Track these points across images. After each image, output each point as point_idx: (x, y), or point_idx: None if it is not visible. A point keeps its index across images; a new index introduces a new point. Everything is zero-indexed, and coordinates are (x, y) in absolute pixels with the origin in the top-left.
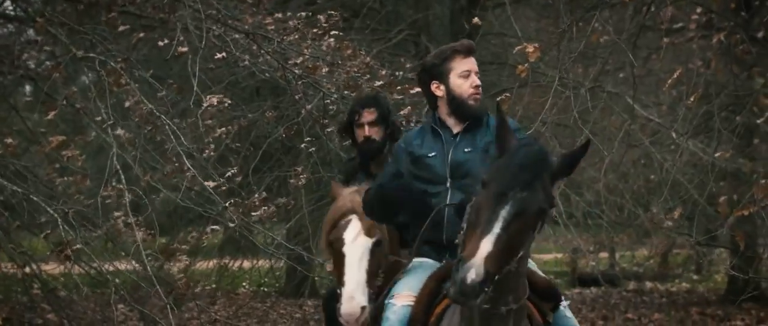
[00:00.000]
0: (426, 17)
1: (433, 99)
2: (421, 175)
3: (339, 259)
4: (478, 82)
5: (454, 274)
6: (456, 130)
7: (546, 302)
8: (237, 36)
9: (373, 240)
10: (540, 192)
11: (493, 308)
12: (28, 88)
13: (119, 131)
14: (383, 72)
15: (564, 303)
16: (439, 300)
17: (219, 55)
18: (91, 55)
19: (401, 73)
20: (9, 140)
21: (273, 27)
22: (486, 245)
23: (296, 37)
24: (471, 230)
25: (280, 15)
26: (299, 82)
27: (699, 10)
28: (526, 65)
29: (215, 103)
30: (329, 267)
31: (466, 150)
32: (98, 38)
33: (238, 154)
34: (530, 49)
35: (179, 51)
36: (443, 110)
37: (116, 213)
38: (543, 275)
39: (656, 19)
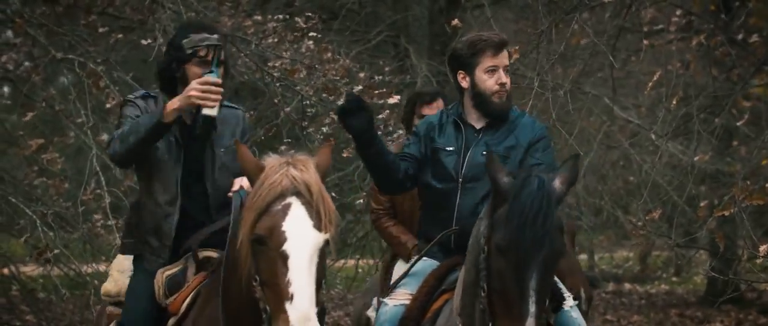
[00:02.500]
0: (405, 18)
1: (460, 88)
2: (435, 168)
3: (274, 261)
4: (505, 80)
5: None
6: (479, 125)
7: None
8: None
9: (326, 236)
10: (556, 238)
11: None
12: (6, 89)
13: (103, 137)
14: (362, 75)
15: (569, 303)
16: (436, 296)
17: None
18: (71, 56)
19: (380, 76)
20: None
21: (252, 29)
22: None
23: (275, 39)
24: (500, 299)
25: (259, 17)
26: (278, 85)
27: (679, 12)
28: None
29: None
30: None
31: (483, 152)
32: (77, 39)
33: None
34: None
35: (157, 51)
36: (468, 102)
37: (95, 216)
38: None
39: (636, 20)
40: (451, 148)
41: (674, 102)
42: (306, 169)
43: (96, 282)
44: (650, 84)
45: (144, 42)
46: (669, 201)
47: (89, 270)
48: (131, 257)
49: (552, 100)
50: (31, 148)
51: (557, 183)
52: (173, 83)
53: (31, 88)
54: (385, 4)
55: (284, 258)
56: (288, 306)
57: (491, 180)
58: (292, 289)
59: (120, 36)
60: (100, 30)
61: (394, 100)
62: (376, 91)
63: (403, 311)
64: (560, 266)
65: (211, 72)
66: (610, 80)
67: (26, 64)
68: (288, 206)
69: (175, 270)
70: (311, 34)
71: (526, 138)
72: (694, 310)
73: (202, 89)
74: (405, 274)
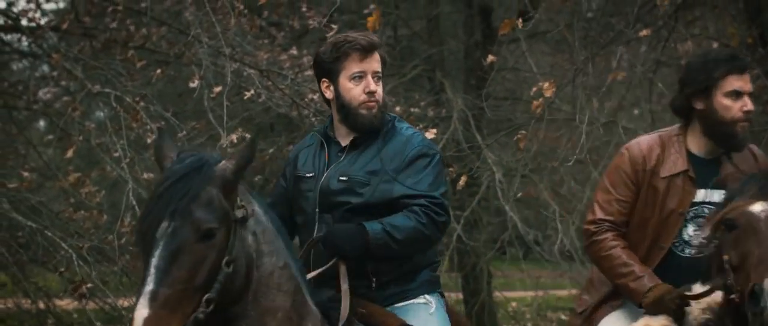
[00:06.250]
0: (440, 53)
1: (325, 99)
2: (296, 201)
3: None
4: (374, 88)
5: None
6: (345, 142)
7: None
8: (251, 72)
9: None
10: (190, 213)
11: None
12: (42, 123)
13: (144, 176)
14: (397, 108)
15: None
16: None
17: (247, 94)
18: (107, 90)
19: (416, 109)
20: (25, 174)
21: (288, 64)
22: None
23: (311, 73)
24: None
25: (294, 52)
26: (313, 118)
27: (715, 45)
28: (541, 100)
29: (235, 141)
30: None
31: (341, 178)
32: (113, 74)
33: (253, 189)
34: (545, 84)
35: (195, 86)
36: (335, 115)
37: (132, 249)
38: None
39: (672, 54)
40: (310, 175)
41: None
42: None
43: (131, 316)
44: None
45: (192, 84)
46: None
47: (125, 304)
48: None
49: (588, 133)
50: (68, 181)
51: (224, 163)
52: None
53: (67, 121)
54: (420, 38)
55: None
56: None
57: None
58: None
59: (158, 71)
60: (138, 64)
61: (432, 134)
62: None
63: None
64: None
65: None
66: (645, 114)
67: (64, 98)
68: None
69: None
70: None
71: (394, 161)
72: None
73: None
74: None
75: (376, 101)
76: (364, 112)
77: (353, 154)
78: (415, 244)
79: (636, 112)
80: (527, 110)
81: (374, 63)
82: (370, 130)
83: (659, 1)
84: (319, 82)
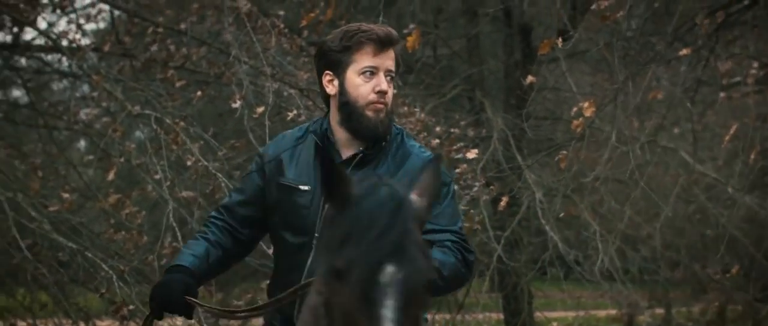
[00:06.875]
0: (480, 72)
1: (325, 96)
2: (287, 215)
3: None
4: (386, 88)
5: None
6: (346, 153)
7: None
8: (292, 91)
9: None
10: (420, 260)
11: None
12: (83, 143)
13: (183, 194)
14: (438, 128)
15: None
16: None
17: (290, 114)
18: (147, 111)
19: (456, 129)
20: (66, 195)
21: None
22: None
23: None
24: None
25: None
26: None
27: (756, 64)
28: (581, 119)
29: None
30: None
31: None
32: (153, 94)
33: None
34: (586, 105)
35: (237, 106)
36: (334, 116)
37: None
38: None
39: (712, 73)
40: (305, 188)
41: (752, 155)
42: None
43: None
44: (727, 137)
45: (234, 105)
46: (746, 255)
47: (165, 325)
48: None
49: (628, 153)
50: (108, 202)
51: (416, 198)
52: None
53: (108, 142)
54: (460, 58)
55: None
56: None
57: (329, 193)
58: None
59: (198, 92)
60: (177, 84)
61: (473, 154)
62: (454, 147)
63: None
64: None
65: None
66: (686, 133)
67: (104, 119)
68: None
69: None
70: None
71: None
72: None
73: None
74: None
75: (385, 104)
76: (370, 113)
77: (362, 172)
78: (455, 282)
79: (676, 131)
80: (567, 130)
81: (389, 60)
82: (373, 136)
83: (699, 21)
84: (320, 74)
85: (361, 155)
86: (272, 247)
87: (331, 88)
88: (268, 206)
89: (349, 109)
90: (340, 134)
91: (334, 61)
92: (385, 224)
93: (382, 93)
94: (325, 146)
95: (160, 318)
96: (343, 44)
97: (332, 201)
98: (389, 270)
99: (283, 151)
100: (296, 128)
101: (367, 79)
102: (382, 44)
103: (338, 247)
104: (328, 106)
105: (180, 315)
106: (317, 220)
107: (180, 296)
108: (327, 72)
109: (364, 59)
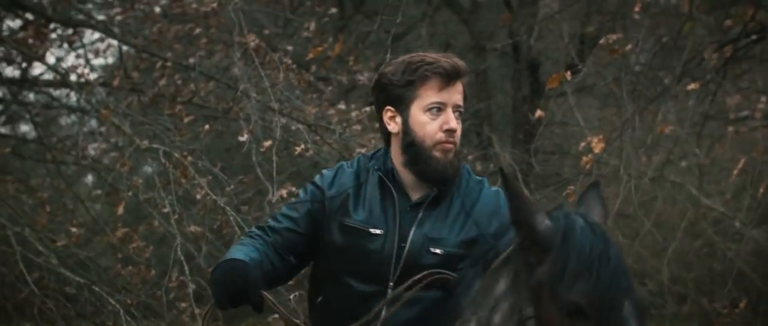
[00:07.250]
0: (488, 107)
1: (386, 134)
2: (353, 261)
3: None
4: (455, 125)
5: None
6: (415, 196)
7: None
8: (300, 126)
9: None
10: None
11: None
12: (90, 178)
13: (192, 228)
14: None
15: None
16: None
17: (297, 149)
18: (155, 146)
19: (464, 163)
20: (74, 230)
21: (336, 118)
22: None
23: (359, 128)
24: None
25: (343, 106)
26: None
27: (764, 98)
28: (590, 156)
29: (284, 196)
30: None
31: (434, 250)
32: (161, 129)
33: None
34: (595, 141)
35: (244, 140)
36: (397, 156)
37: (182, 304)
38: None
39: (720, 107)
40: (377, 231)
41: (760, 189)
42: None
43: None
44: (735, 171)
45: (241, 139)
46: (754, 289)
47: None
48: None
49: (635, 187)
50: (116, 236)
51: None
52: None
53: (116, 177)
54: (468, 93)
55: None
56: None
57: (521, 226)
58: None
59: (206, 126)
60: (185, 119)
61: None
62: None
63: None
64: None
65: None
66: (693, 168)
67: (112, 153)
68: None
69: None
70: None
71: (492, 224)
72: None
73: None
74: None
75: (454, 143)
76: (438, 154)
77: (434, 213)
78: None
79: (684, 164)
80: (575, 164)
81: (457, 94)
82: (442, 179)
83: (707, 55)
84: (379, 110)
85: (433, 195)
86: (321, 288)
87: (394, 126)
88: (321, 244)
89: (415, 150)
90: (404, 174)
91: (396, 96)
92: (612, 256)
93: (451, 131)
94: (392, 186)
95: (229, 307)
96: (406, 78)
97: (527, 237)
98: (629, 303)
99: (347, 188)
100: (344, 163)
101: (433, 116)
102: (449, 77)
103: (569, 283)
104: (387, 143)
105: (253, 307)
106: (391, 268)
107: (257, 285)
108: (388, 108)
109: (430, 94)
